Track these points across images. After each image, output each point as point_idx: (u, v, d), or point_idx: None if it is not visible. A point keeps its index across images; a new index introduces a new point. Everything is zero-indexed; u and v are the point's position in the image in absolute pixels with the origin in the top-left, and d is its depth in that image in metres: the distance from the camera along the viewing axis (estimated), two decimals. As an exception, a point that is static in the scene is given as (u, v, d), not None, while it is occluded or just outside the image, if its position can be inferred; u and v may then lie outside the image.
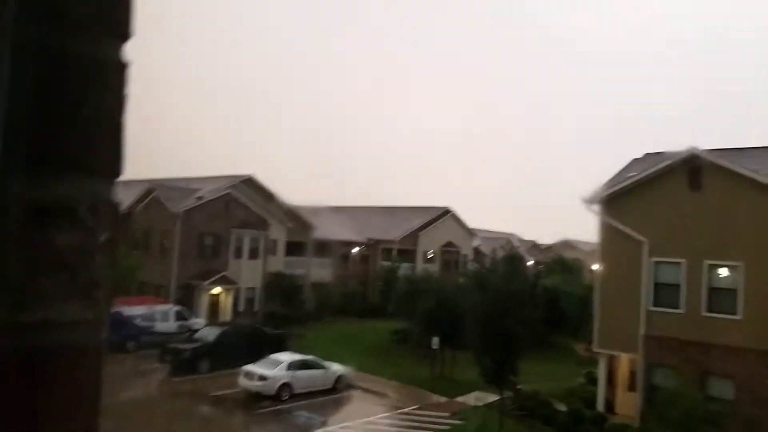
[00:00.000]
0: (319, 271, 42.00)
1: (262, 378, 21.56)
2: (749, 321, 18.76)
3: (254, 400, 20.86)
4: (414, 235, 48.01)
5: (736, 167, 19.49)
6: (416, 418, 20.99)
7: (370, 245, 46.72)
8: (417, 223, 48.73)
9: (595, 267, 24.36)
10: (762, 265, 18.61)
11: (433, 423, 20.32)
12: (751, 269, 18.91)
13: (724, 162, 19.86)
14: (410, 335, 31.48)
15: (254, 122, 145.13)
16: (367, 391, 24.49)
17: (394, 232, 47.12)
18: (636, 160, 25.88)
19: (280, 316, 33.64)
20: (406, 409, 22.05)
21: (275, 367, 22.18)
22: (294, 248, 40.92)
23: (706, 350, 19.45)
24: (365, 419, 20.58)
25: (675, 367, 19.54)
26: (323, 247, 43.24)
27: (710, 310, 19.72)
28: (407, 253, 47.03)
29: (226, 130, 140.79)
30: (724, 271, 19.82)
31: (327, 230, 43.46)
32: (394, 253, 45.83)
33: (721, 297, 19.65)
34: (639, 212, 21.56)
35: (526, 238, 66.85)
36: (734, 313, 19.19)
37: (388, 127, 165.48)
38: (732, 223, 19.42)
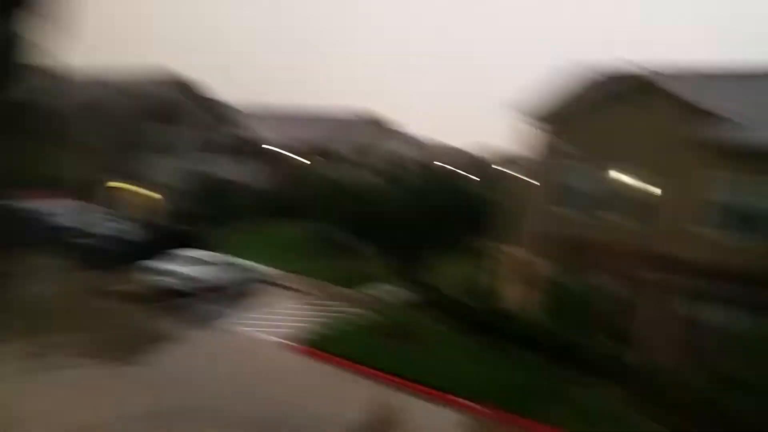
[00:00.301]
0: (238, 170, 40.98)
1: (171, 273, 21.30)
2: (647, 225, 19.89)
3: (162, 295, 20.69)
4: (337, 137, 47.45)
5: (660, 83, 19.94)
6: (326, 309, 21.56)
7: (294, 147, 45.81)
8: (340, 124, 48.04)
9: (509, 171, 25.02)
10: (668, 176, 19.55)
11: (343, 314, 20.95)
12: (658, 178, 19.71)
13: (661, 81, 20.24)
14: (328, 234, 31.75)
15: (175, 17, 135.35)
16: (279, 286, 24.81)
17: (317, 134, 46.33)
18: (561, 70, 26.06)
19: (196, 214, 32.90)
20: (315, 302, 22.58)
21: (183, 263, 21.94)
22: (214, 147, 39.51)
23: (605, 250, 20.68)
24: (273, 309, 20.97)
25: (574, 264, 20.78)
26: (244, 147, 42.02)
27: (614, 214, 20.79)
28: (329, 155, 46.62)
29: (147, 17, 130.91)
30: (628, 177, 20.69)
31: (250, 130, 42.14)
32: (316, 154, 45.28)
33: (621, 201, 20.66)
34: (557, 119, 22.01)
35: (448, 142, 67.54)
36: (635, 218, 20.28)
37: (316, 28, 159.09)
38: (649, 134, 20.04)
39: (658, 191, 19.61)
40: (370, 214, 27.11)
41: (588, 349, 17.40)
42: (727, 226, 17.53)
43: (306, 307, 22.06)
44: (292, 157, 45.61)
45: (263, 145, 43.73)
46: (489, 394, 14.85)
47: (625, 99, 20.84)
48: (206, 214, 34.70)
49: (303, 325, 19.39)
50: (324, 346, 17.54)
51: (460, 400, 14.64)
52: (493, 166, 51.45)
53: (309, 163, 43.37)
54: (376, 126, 51.30)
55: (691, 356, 16.79)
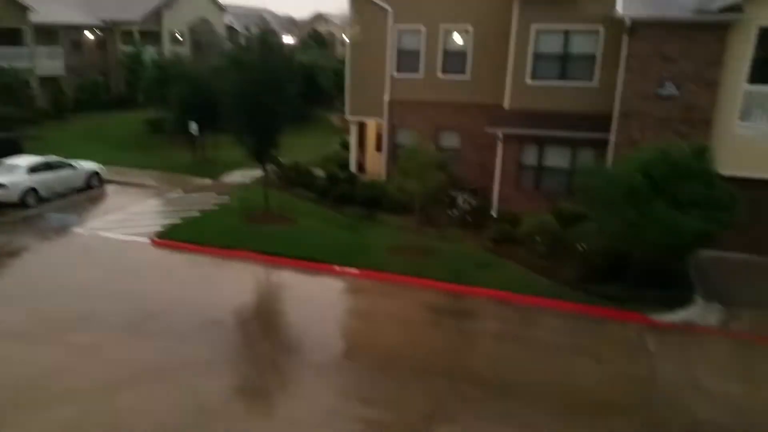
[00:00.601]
0: (45, 62, 36.27)
1: (1, 186, 19.42)
2: (474, 80, 21.36)
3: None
4: (157, 14, 43.25)
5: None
6: (182, 201, 21.13)
7: (106, 28, 41.14)
8: (158, 0, 43.64)
9: (347, 39, 24.87)
10: (486, 28, 20.75)
11: (200, 204, 20.70)
12: (477, 32, 21.01)
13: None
14: (165, 123, 30.08)
15: None
16: (125, 183, 23.59)
17: (132, 11, 41.80)
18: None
19: (4, 117, 29.22)
20: (170, 195, 21.96)
21: (13, 173, 19.98)
22: (8, 36, 34.28)
23: (440, 109, 22.01)
24: (128, 210, 20.15)
25: (414, 126, 21.96)
26: (48, 34, 36.94)
27: (444, 72, 21.89)
28: (151, 36, 42.69)
29: None
30: (457, 36, 21.68)
31: (49, 13, 36.83)
32: (136, 35, 41.24)
33: (453, 60, 21.77)
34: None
35: (280, 12, 64.61)
36: (463, 73, 21.61)
37: None
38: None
39: (479, 44, 20.88)
40: (211, 97, 25.97)
41: (450, 205, 19.12)
42: (549, 72, 19.28)
43: (160, 201, 21.40)
44: (113, 41, 41.23)
45: (75, 29, 38.85)
46: (358, 257, 15.98)
47: None
48: (21, 116, 31.04)
49: (161, 219, 18.97)
50: (188, 236, 17.45)
51: (333, 266, 15.61)
52: (332, 33, 50.57)
53: (137, 48, 39.53)
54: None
55: (538, 198, 19.07)
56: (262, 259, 16.06)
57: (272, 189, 19.84)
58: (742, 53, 15.53)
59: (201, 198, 21.59)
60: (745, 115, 15.83)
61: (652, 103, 16.36)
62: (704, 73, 15.77)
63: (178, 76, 28.32)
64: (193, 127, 25.93)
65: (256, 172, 21.71)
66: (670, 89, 16.10)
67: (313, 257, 15.91)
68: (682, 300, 13.53)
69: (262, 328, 12.27)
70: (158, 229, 17.98)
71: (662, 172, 12.61)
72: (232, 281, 14.80)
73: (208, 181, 24.00)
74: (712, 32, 15.61)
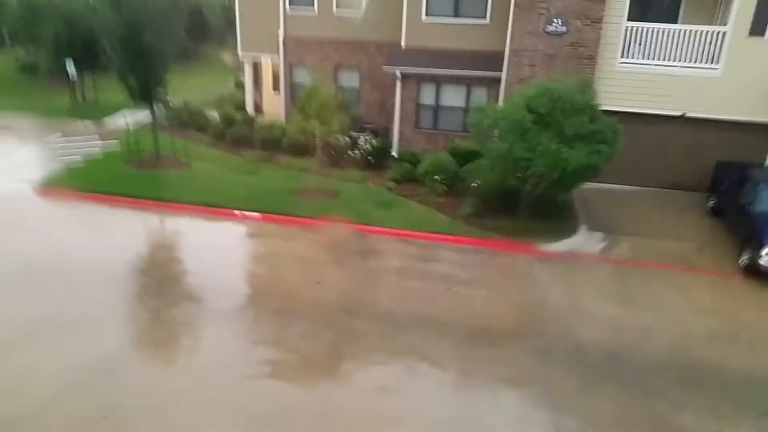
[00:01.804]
0: None
1: None
2: (370, 16, 20.97)
3: None
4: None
5: None
6: (63, 147, 19.63)
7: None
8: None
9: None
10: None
11: (83, 149, 19.34)
12: (372, -35, 20.48)
13: None
14: (38, 64, 27.50)
15: None
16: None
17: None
18: None
19: None
20: (50, 140, 20.32)
21: None
22: None
23: (337, 46, 21.55)
24: (3, 157, 18.48)
25: (312, 64, 21.40)
26: None
27: (340, 7, 21.30)
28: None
29: None
30: (350, -30, 21.02)
31: None
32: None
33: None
34: None
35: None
36: (359, 10, 21.12)
37: None
38: None
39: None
40: (88, 35, 23.96)
41: (350, 146, 18.98)
42: (443, 9, 19.27)
43: (39, 147, 19.76)
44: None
45: None
46: (258, 201, 15.66)
47: None
48: None
49: (42, 167, 17.57)
50: (74, 183, 16.33)
51: (234, 211, 15.21)
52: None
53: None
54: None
55: (436, 137, 19.34)
56: (155, 206, 15.36)
57: (162, 132, 18.85)
58: (622, -9, 16.22)
59: (84, 143, 20.16)
60: (625, 52, 16.70)
61: (541, 40, 16.85)
62: (589, 10, 16.35)
63: (51, 15, 25.76)
64: (70, 67, 23.87)
65: (143, 115, 20.50)
66: (557, 26, 16.62)
67: (211, 202, 15.42)
68: (567, 230, 14.44)
69: (160, 278, 11.88)
70: (40, 177, 16.68)
71: (546, 107, 13.13)
72: (126, 230, 14.12)
73: (90, 125, 22.38)
74: (595, -31, 16.12)
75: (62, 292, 10.91)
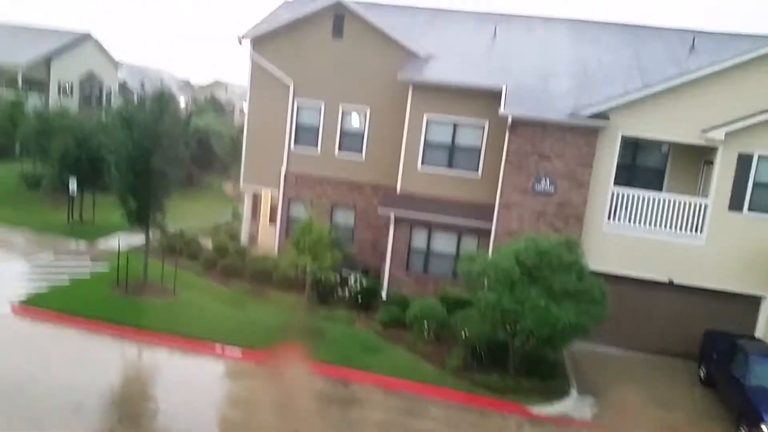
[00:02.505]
0: None
1: None
2: (369, 160, 21.94)
3: None
4: (46, 63, 41.17)
5: (372, 20, 21.37)
6: (52, 266, 19.54)
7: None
8: (49, 47, 41.63)
9: (245, 108, 24.83)
10: (382, 112, 21.56)
11: (72, 270, 19.24)
12: (374, 115, 21.77)
13: (363, 13, 21.52)
14: (43, 179, 28.15)
15: None
16: (-12, 242, 21.55)
17: (18, 57, 39.56)
18: (287, 2, 26.26)
19: None
20: (39, 258, 20.26)
21: None
22: None
23: (336, 185, 22.29)
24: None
25: (310, 201, 22.00)
26: None
27: (341, 150, 22.33)
28: (37, 84, 40.43)
29: None
30: (355, 116, 22.32)
31: None
32: (20, 82, 38.88)
33: (350, 139, 22.31)
34: (287, 54, 22.31)
35: (179, 75, 63.76)
36: (360, 153, 22.14)
37: None
38: (364, 71, 21.69)
39: (375, 126, 21.63)
40: (96, 154, 24.77)
41: (341, 285, 18.96)
42: (438, 160, 20.21)
43: (27, 264, 19.65)
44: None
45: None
46: (242, 337, 15.35)
47: (323, 24, 21.79)
48: None
49: (30, 285, 17.36)
50: (54, 305, 16.04)
51: (216, 346, 14.85)
52: (231, 101, 50.38)
53: (19, 95, 37.09)
54: (98, 51, 45.73)
55: (427, 281, 19.44)
56: (135, 335, 14.99)
57: (154, 258, 18.88)
58: (608, 157, 17.14)
59: (74, 263, 20.09)
60: (612, 215, 17.30)
61: (529, 197, 17.51)
62: (576, 172, 17.19)
63: (63, 129, 26.82)
64: (73, 184, 24.39)
65: (138, 238, 20.61)
66: (545, 186, 17.36)
67: (193, 334, 15.10)
68: (558, 392, 14.08)
69: (126, 415, 11.31)
70: (21, 296, 16.42)
71: (533, 261, 13.36)
72: (100, 359, 13.66)
73: (83, 245, 22.45)
74: (583, 136, 17.15)
75: (22, 422, 10.32)
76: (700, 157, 17.98)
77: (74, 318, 15.53)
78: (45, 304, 16.13)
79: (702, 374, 15.95)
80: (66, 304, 16.21)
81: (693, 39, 22.13)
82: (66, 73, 42.50)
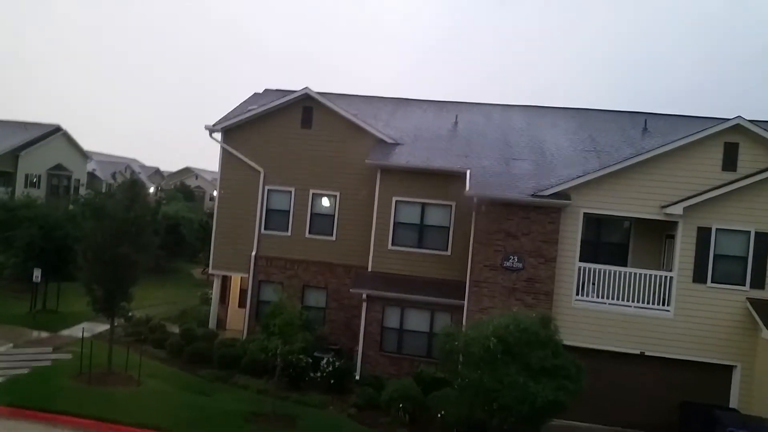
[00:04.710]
0: None
1: None
2: (339, 241, 22.12)
3: None
4: (13, 155, 41.24)
5: (340, 110, 22.25)
6: (12, 357, 18.73)
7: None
8: (17, 140, 41.85)
9: (216, 194, 25.03)
10: (351, 195, 21.99)
11: (33, 360, 18.47)
12: (344, 198, 22.18)
13: (331, 104, 22.41)
14: (6, 269, 27.47)
15: None
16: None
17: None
18: (257, 94, 27.19)
19: None
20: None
21: None
22: None
23: (307, 267, 22.27)
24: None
25: (281, 283, 21.85)
26: None
27: (312, 233, 22.49)
28: (4, 176, 40.26)
29: None
30: (325, 200, 22.68)
31: None
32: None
33: (321, 221, 22.56)
34: (257, 143, 22.88)
35: (148, 164, 64.19)
36: (330, 235, 22.33)
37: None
38: (334, 157, 22.30)
39: (345, 208, 21.98)
40: (60, 243, 24.45)
41: (313, 367, 18.50)
42: (408, 239, 20.52)
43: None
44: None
45: None
46: (209, 426, 14.74)
47: (292, 115, 22.61)
48: None
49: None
50: (11, 398, 15.24)
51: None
52: (201, 187, 50.69)
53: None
54: (67, 143, 46.05)
55: (401, 361, 19.14)
56: (96, 426, 14.28)
57: (119, 345, 18.28)
58: (573, 234, 17.65)
59: (34, 353, 19.30)
60: (580, 290, 17.59)
61: (499, 274, 17.76)
62: (542, 249, 17.59)
63: (28, 219, 26.52)
64: (37, 274, 23.85)
65: (102, 327, 20.05)
66: (513, 262, 17.67)
67: (155, 425, 14.42)
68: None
69: None
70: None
71: (515, 338, 13.35)
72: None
73: (45, 335, 21.66)
74: (546, 214, 17.70)
75: None
76: (662, 231, 18.64)
77: (32, 411, 14.76)
78: (1, 398, 15.33)
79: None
80: (24, 396, 15.44)
81: (645, 121, 23.49)
82: (34, 164, 42.53)
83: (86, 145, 47.74)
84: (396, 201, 20.67)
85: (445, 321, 18.91)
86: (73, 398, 15.56)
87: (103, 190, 32.17)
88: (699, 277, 17.01)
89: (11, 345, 20.12)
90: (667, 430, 16.71)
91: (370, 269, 20.58)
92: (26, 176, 41.83)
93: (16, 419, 14.47)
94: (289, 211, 22.72)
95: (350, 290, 20.09)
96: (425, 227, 20.58)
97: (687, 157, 17.31)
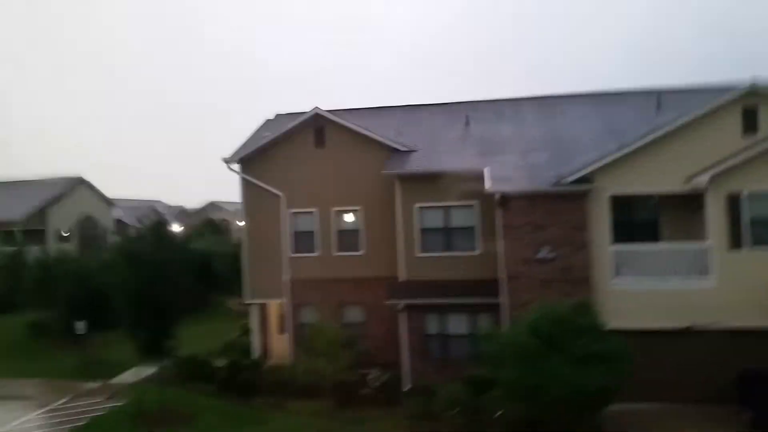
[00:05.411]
0: None
1: None
2: (369, 255, 22.30)
3: None
4: (42, 212, 42.26)
5: (351, 125, 22.48)
6: (68, 411, 19.19)
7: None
8: (44, 197, 42.89)
9: (241, 224, 25.38)
10: (373, 208, 22.16)
11: (88, 411, 18.89)
12: (367, 212, 22.37)
13: (341, 120, 22.66)
14: (50, 326, 28.13)
15: None
16: (2, 398, 21.21)
17: (15, 211, 40.62)
18: (269, 120, 27.56)
19: None
20: (54, 405, 19.92)
21: None
22: None
23: (339, 284, 22.45)
24: (5, 427, 17.91)
25: (317, 304, 22.07)
26: None
27: (340, 250, 22.70)
28: (36, 234, 41.23)
29: None
30: (348, 216, 22.89)
31: None
32: (18, 235, 39.65)
33: (347, 238, 22.79)
34: (274, 169, 23.22)
35: (172, 203, 65.21)
36: (358, 250, 22.52)
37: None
38: (351, 173, 22.52)
39: (369, 222, 22.15)
40: (99, 293, 24.96)
41: (361, 384, 18.66)
42: (435, 244, 20.60)
43: (43, 412, 19.30)
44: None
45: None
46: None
47: (305, 137, 22.90)
48: None
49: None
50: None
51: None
52: (226, 220, 51.38)
53: (19, 247, 37.72)
54: (91, 193, 47.04)
55: (447, 366, 19.16)
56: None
57: (168, 386, 18.62)
58: (602, 217, 17.55)
59: (89, 404, 19.74)
60: (617, 272, 17.45)
61: (533, 267, 17.73)
62: (573, 237, 17.52)
63: (64, 274, 27.16)
64: (80, 326, 24.40)
65: (150, 370, 20.43)
66: (545, 253, 17.63)
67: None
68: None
69: None
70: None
71: (550, 330, 13.34)
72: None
73: (97, 385, 22.13)
74: (572, 201, 17.64)
75: None
76: (690, 204, 18.45)
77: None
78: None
79: (747, 417, 15.40)
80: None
81: (658, 97, 23.25)
82: (62, 219, 43.51)
83: (109, 192, 48.79)
84: (419, 207, 20.78)
85: (485, 321, 18.93)
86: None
87: (132, 235, 32.79)
88: (735, 243, 16.78)
89: (66, 399, 20.61)
90: (727, 401, 16.45)
91: (402, 279, 20.68)
92: (56, 231, 42.84)
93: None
94: (314, 232, 22.99)
95: (386, 302, 20.20)
96: (451, 230, 20.65)
97: (706, 126, 17.15)
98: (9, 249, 38.23)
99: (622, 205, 18.75)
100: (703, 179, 16.63)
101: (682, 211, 18.73)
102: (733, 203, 16.80)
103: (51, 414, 19.11)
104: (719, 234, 16.85)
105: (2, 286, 37.66)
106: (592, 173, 17.47)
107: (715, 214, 16.88)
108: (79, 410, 19.15)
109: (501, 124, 23.84)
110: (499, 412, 14.85)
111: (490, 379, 15.82)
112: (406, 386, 19.29)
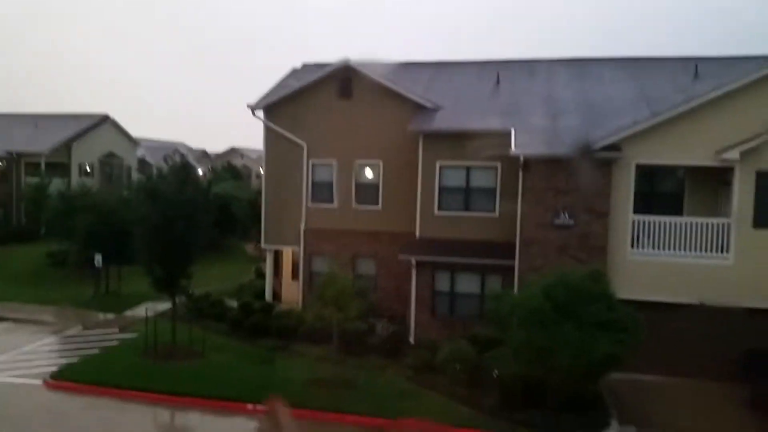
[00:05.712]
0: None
1: None
2: (385, 209, 22.20)
3: None
4: (66, 146, 42.64)
5: (379, 79, 22.09)
6: (82, 339, 19.74)
7: (11, 159, 40.00)
8: (69, 132, 43.18)
9: (262, 171, 25.41)
10: (394, 163, 21.96)
11: (101, 341, 19.40)
12: (387, 167, 22.18)
13: (370, 73, 22.27)
14: (68, 256, 28.74)
15: None
16: (20, 321, 21.90)
17: (40, 144, 41.06)
18: (295, 69, 27.24)
19: None
20: (69, 332, 20.50)
21: None
22: None
23: (355, 237, 22.48)
24: (21, 349, 18.51)
25: (330, 254, 22.16)
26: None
27: (358, 203, 22.65)
28: (59, 167, 41.75)
29: None
30: (368, 170, 22.74)
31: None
32: (43, 167, 40.22)
33: (366, 191, 22.68)
34: (298, 118, 23.02)
35: (195, 146, 65.52)
36: (376, 204, 22.44)
37: (31, 27, 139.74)
38: (375, 127, 22.25)
39: (389, 177, 21.99)
40: (119, 228, 25.31)
41: (368, 334, 18.85)
42: (454, 204, 20.42)
43: (57, 338, 19.88)
44: (18, 173, 39.92)
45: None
46: (272, 393, 15.19)
47: (331, 87, 22.54)
48: None
49: (61, 359, 17.51)
50: (85, 376, 16.13)
51: (247, 405, 14.72)
52: (247, 166, 51.56)
53: (42, 180, 38.33)
54: (116, 131, 47.36)
55: (454, 324, 19.25)
56: (167, 399, 14.98)
57: (181, 322, 18.99)
58: (625, 186, 17.17)
59: (102, 334, 20.29)
60: (635, 242, 17.20)
61: (550, 232, 17.50)
62: (594, 204, 17.21)
63: (86, 208, 27.56)
64: (98, 259, 24.88)
65: (164, 305, 20.81)
66: (564, 219, 17.37)
67: (223, 395, 15.03)
68: (599, 425, 13.68)
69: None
70: (53, 369, 16.54)
71: (563, 296, 13.24)
72: (133, 427, 13.60)
73: (111, 316, 22.68)
74: (597, 168, 17.25)
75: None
76: (717, 178, 17.98)
77: (105, 388, 15.57)
78: (76, 376, 16.23)
79: (748, 396, 15.34)
80: (96, 374, 16.30)
81: (696, 66, 22.45)
82: (86, 154, 43.88)
83: (134, 131, 49.01)
84: (440, 166, 20.51)
85: (496, 282, 18.85)
86: (143, 374, 16.32)
87: (155, 175, 33.03)
88: (760, 222, 16.36)
89: (81, 327, 21.17)
90: (731, 379, 16.32)
91: (418, 236, 20.61)
92: (80, 166, 43.30)
93: (90, 396, 15.28)
94: (333, 184, 22.89)
95: (399, 257, 20.20)
96: (471, 190, 20.39)
97: (741, 99, 16.52)
98: (33, 180, 38.92)
99: (647, 175, 18.35)
100: (734, 153, 16.12)
101: (707, 185, 18.28)
102: (763, 181, 16.31)
103: (66, 340, 19.67)
104: (744, 210, 16.42)
105: (25, 217, 38.54)
106: (620, 141, 17.02)
107: (742, 190, 16.42)
108: (93, 339, 19.68)
109: (532, 85, 23.28)
110: (496, 372, 14.87)
111: (494, 338, 15.84)
112: (413, 339, 19.44)
